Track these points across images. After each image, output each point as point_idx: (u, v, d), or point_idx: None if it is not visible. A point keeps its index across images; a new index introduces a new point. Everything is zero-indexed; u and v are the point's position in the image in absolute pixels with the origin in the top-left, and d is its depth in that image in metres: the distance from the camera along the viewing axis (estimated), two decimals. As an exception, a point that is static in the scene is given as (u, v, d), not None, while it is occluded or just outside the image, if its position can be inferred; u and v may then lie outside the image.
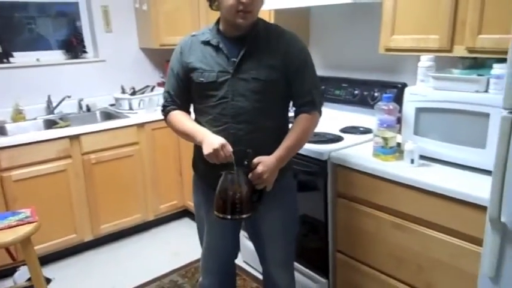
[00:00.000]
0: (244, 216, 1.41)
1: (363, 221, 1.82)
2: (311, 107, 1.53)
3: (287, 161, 1.53)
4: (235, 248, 1.81)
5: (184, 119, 1.56)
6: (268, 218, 1.60)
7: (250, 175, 1.42)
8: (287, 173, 1.61)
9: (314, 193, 1.99)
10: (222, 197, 1.40)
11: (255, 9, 1.43)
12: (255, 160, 1.42)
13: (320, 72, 1.57)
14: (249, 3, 1.39)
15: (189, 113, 1.63)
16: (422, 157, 1.71)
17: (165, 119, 1.62)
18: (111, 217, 2.86)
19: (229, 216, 1.40)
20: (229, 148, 1.38)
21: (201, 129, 1.48)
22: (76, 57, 3.16)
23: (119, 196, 2.87)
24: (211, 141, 1.39)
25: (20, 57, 2.94)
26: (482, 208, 1.37)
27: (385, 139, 1.75)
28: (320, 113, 1.58)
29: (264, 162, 1.42)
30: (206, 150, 1.39)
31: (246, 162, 1.41)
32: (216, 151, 1.36)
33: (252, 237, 1.75)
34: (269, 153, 1.47)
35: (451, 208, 1.49)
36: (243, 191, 1.39)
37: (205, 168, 1.52)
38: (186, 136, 1.54)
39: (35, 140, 2.48)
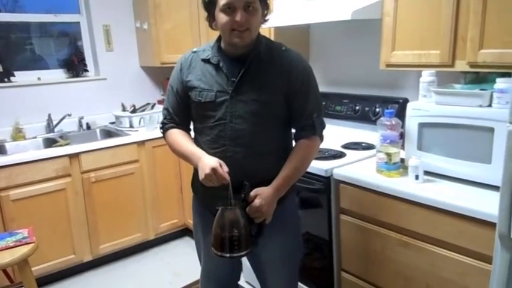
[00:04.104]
0: (243, 253, 1.34)
1: (368, 238, 1.78)
2: (311, 131, 1.45)
3: (286, 191, 1.43)
4: (236, 271, 1.74)
5: (181, 139, 1.49)
6: (269, 245, 1.48)
7: (247, 209, 1.33)
8: (289, 195, 1.50)
9: (317, 210, 1.95)
10: (219, 235, 1.32)
11: (251, 27, 1.34)
12: (252, 193, 1.34)
13: (320, 88, 1.53)
14: (243, 22, 1.30)
15: (189, 130, 1.57)
16: (426, 173, 1.68)
17: (164, 137, 1.57)
18: (110, 236, 2.82)
19: (227, 255, 1.33)
20: (223, 170, 1.30)
21: (197, 151, 1.41)
22: (77, 75, 3.17)
23: (118, 215, 2.83)
24: (204, 165, 1.32)
25: (21, 76, 2.95)
26: (490, 225, 1.34)
27: (388, 155, 1.73)
28: (321, 138, 1.50)
29: (262, 195, 1.34)
30: (200, 176, 1.34)
31: (242, 195, 1.34)
32: (208, 176, 1.30)
33: (252, 265, 1.65)
34: (268, 177, 1.41)
35: (458, 225, 1.46)
36: (241, 227, 1.31)
37: (203, 190, 1.46)
38: (183, 157, 1.48)
39: (34, 159, 2.46)
